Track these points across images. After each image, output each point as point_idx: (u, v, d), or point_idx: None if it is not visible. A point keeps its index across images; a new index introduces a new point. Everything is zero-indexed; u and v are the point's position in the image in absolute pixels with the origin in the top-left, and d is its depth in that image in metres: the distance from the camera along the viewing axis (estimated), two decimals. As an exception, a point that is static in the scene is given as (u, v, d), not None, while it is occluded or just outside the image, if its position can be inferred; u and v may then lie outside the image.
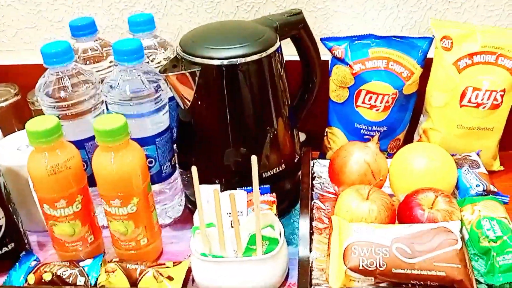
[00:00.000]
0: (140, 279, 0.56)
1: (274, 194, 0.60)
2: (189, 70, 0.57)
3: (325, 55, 0.73)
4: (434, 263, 0.51)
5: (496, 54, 0.68)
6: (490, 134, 0.71)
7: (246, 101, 0.60)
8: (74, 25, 0.66)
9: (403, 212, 0.59)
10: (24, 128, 0.75)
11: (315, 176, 0.73)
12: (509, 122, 0.74)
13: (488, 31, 0.69)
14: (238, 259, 0.53)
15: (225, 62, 0.57)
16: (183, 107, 0.61)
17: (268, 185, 0.61)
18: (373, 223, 0.57)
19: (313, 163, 0.75)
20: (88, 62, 0.67)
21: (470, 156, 0.69)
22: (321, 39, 0.72)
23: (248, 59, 0.57)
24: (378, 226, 0.56)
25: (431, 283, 0.51)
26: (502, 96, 0.68)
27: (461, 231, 0.56)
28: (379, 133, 0.73)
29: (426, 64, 0.72)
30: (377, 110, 0.71)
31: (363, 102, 0.72)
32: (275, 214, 0.57)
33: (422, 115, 0.76)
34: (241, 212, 0.57)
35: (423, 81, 0.73)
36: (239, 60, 0.57)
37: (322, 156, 0.79)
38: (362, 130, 0.73)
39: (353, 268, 0.52)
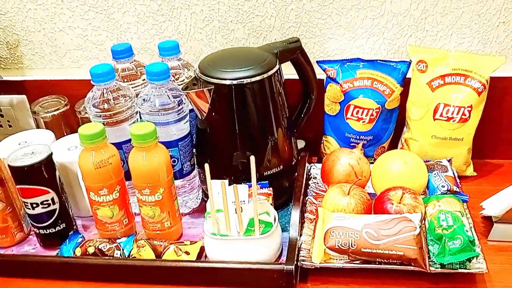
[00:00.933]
0: (164, 253, 0.71)
1: (270, 188, 0.74)
2: (205, 88, 0.72)
3: (321, 74, 0.87)
4: (394, 245, 0.64)
5: (465, 76, 0.80)
6: (460, 143, 0.83)
7: (251, 113, 0.74)
8: (115, 49, 0.82)
9: (377, 206, 0.72)
10: (72, 133, 0.92)
11: (311, 177, 0.86)
12: (484, 133, 0.86)
13: (458, 56, 0.81)
14: (240, 238, 0.67)
15: (234, 82, 0.71)
16: (200, 117, 0.76)
17: (267, 181, 0.75)
18: (350, 213, 0.70)
19: (310, 166, 0.88)
20: (125, 80, 0.82)
21: (441, 162, 0.81)
22: (317, 62, 0.86)
23: (253, 79, 0.71)
24: (353, 216, 0.69)
25: (393, 261, 0.64)
26: (469, 111, 0.80)
27: (423, 222, 0.69)
28: (365, 141, 0.86)
29: (406, 83, 0.85)
30: (363, 122, 0.84)
31: (352, 115, 0.85)
32: (271, 203, 0.71)
33: (405, 126, 0.89)
34: (243, 201, 0.70)
35: (405, 98, 0.86)
36: (245, 80, 0.71)
37: (320, 160, 0.93)
38: (351, 139, 0.87)
39: (330, 247, 0.66)
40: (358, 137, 0.86)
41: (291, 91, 0.81)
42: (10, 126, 1.07)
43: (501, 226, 0.72)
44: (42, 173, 0.72)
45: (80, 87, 0.99)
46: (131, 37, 0.95)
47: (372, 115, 0.84)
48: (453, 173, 0.80)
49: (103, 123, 0.73)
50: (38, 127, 0.95)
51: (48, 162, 0.72)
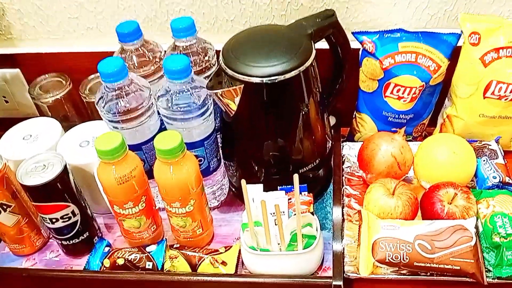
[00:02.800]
0: (199, 265, 0.67)
1: (311, 194, 0.68)
2: (233, 87, 0.62)
3: (354, 41, 0.75)
4: (450, 258, 0.60)
5: (522, 48, 0.71)
6: (509, 121, 0.76)
7: (284, 107, 0.66)
8: (121, 32, 0.70)
9: (425, 206, 0.67)
10: (78, 114, 0.84)
11: (344, 160, 0.80)
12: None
13: (516, 25, 0.71)
14: (282, 253, 0.63)
15: (265, 79, 0.62)
16: (228, 114, 0.67)
17: (305, 185, 0.68)
18: (398, 218, 0.65)
19: (342, 145, 0.82)
20: (135, 65, 0.72)
21: (490, 145, 0.75)
22: (353, 33, 0.75)
23: (287, 75, 0.62)
24: (403, 224, 0.64)
25: (447, 274, 0.61)
26: (525, 88, 0.72)
27: (476, 224, 0.64)
28: (404, 120, 0.78)
29: (454, 54, 0.75)
30: (404, 101, 0.76)
31: (391, 93, 0.76)
32: (312, 212, 0.66)
33: (447, 99, 0.81)
34: (283, 212, 0.65)
35: (450, 69, 0.76)
36: (278, 78, 0.62)
37: (351, 136, 0.85)
38: (389, 118, 0.79)
39: (380, 260, 0.61)
40: (397, 116, 0.78)
41: (321, 61, 0.70)
42: (6, 101, 0.98)
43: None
44: (58, 189, 0.65)
45: (80, 59, 0.88)
46: (134, 3, 0.82)
47: (414, 93, 0.75)
48: (503, 160, 0.73)
49: (119, 127, 0.65)
50: (39, 111, 0.86)
51: (64, 175, 0.65)
